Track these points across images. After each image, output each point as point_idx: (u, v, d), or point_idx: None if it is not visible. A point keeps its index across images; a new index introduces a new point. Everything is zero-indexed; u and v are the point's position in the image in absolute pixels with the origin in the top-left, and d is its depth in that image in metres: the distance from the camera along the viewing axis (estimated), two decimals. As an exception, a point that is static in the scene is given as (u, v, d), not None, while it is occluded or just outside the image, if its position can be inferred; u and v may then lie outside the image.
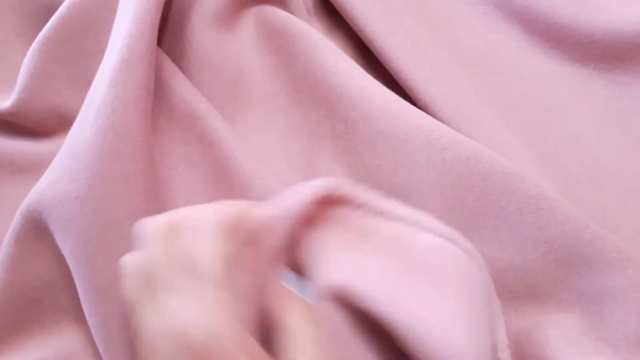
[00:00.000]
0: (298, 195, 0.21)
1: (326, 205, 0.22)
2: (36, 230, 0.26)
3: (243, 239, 0.20)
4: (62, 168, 0.25)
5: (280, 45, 0.32)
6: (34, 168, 0.33)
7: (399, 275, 0.21)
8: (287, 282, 0.22)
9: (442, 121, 0.29)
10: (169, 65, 0.30)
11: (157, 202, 0.28)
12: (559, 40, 0.33)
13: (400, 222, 0.22)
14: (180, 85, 0.29)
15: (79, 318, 0.27)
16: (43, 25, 0.34)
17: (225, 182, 0.29)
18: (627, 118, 0.31)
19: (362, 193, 0.22)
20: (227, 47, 0.32)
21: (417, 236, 0.22)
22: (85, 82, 0.34)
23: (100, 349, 0.25)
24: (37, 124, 0.34)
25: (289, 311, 0.20)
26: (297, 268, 0.22)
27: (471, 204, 0.26)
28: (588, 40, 0.32)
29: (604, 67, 0.33)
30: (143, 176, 0.26)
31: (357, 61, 0.33)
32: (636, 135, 0.31)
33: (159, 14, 0.28)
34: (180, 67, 0.31)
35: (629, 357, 0.22)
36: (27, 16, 0.37)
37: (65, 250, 0.25)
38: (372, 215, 0.22)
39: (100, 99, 0.26)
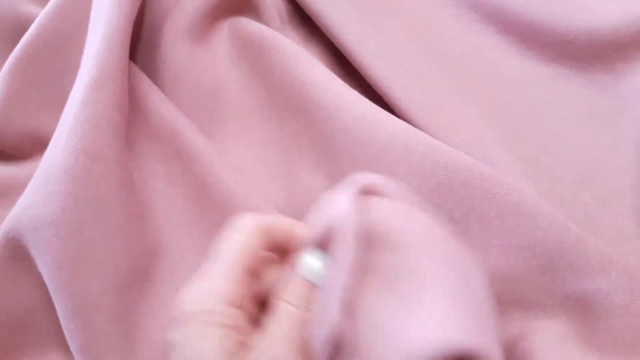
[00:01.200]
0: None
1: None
2: (16, 257, 0.26)
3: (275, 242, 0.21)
4: (36, 192, 0.25)
5: (255, 58, 0.32)
6: (11, 192, 0.33)
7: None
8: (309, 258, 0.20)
9: (420, 127, 0.29)
10: (145, 82, 0.30)
11: (136, 223, 0.27)
12: (534, 40, 0.33)
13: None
14: (158, 102, 0.29)
15: (64, 345, 0.26)
16: (12, 47, 0.34)
17: (207, 199, 0.29)
18: (606, 116, 0.31)
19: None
20: (201, 61, 0.32)
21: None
22: (58, 103, 0.33)
23: None
24: (11, 147, 0.33)
25: (286, 289, 0.19)
26: None
27: (452, 210, 0.26)
28: (564, 39, 0.32)
29: (581, 66, 0.32)
30: (118, 197, 0.25)
31: (333, 69, 0.33)
32: (616, 133, 0.31)
33: (129, 31, 0.28)
34: (154, 84, 0.31)
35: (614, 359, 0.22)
36: (-3, 38, 0.37)
37: (44, 275, 0.25)
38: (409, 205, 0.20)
39: (72, 121, 0.25)
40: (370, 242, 0.19)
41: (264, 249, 0.20)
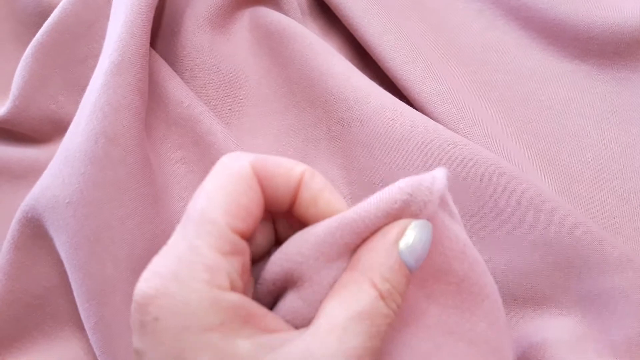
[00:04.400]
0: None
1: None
2: (35, 236, 0.26)
3: None
4: (55, 173, 0.25)
5: (274, 47, 0.32)
6: (31, 174, 0.33)
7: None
8: None
9: (438, 121, 0.29)
10: (165, 69, 0.30)
11: (153, 207, 0.27)
12: (557, 36, 0.33)
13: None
14: (177, 89, 0.29)
15: (80, 324, 0.27)
16: (35, 32, 0.34)
17: None
18: (626, 114, 0.31)
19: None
20: (221, 49, 0.32)
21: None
22: (79, 87, 0.34)
23: (97, 353, 0.25)
24: (33, 130, 0.34)
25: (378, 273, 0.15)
26: None
27: (469, 205, 0.26)
28: (586, 36, 0.32)
29: (603, 63, 0.32)
30: (136, 180, 0.26)
31: (352, 61, 0.33)
32: (636, 132, 0.30)
33: (151, 17, 0.28)
34: (174, 71, 0.31)
35: (630, 359, 0.22)
36: (20, 23, 0.37)
37: (62, 255, 0.25)
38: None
39: (92, 104, 0.25)
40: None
41: (256, 200, 0.15)
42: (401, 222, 0.15)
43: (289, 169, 0.16)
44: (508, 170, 0.25)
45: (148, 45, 0.27)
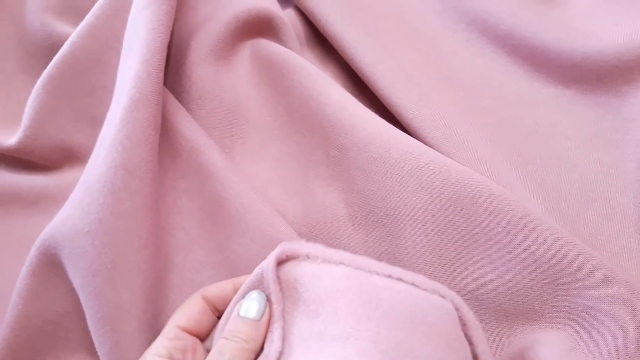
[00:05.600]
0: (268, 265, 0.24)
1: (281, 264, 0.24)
2: (52, 264, 0.27)
3: None
4: (75, 203, 0.26)
5: (274, 77, 0.34)
6: (41, 201, 0.35)
7: (356, 319, 0.22)
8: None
9: (431, 145, 0.31)
10: (171, 101, 0.31)
11: (158, 237, 0.29)
12: (542, 63, 0.35)
13: (347, 266, 0.24)
14: (182, 122, 0.31)
15: (91, 350, 0.28)
16: (45, 64, 0.36)
17: (221, 214, 0.30)
18: (609, 137, 0.32)
19: (303, 246, 0.24)
20: (224, 80, 0.34)
21: (367, 277, 0.23)
22: (87, 117, 0.35)
23: None
24: (43, 158, 0.35)
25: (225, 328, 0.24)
26: None
27: (461, 225, 0.27)
28: (570, 63, 0.34)
29: (586, 88, 0.34)
30: (151, 211, 0.27)
31: (348, 89, 0.35)
32: (619, 153, 0.32)
33: (165, 55, 0.29)
34: (180, 101, 0.33)
35: (617, 370, 0.23)
36: (30, 55, 0.39)
37: (76, 283, 0.26)
38: (318, 263, 0.24)
39: (112, 138, 0.27)
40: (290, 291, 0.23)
41: (205, 313, 0.25)
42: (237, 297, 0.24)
43: (224, 288, 0.26)
44: (498, 192, 0.27)
45: (162, 82, 0.29)
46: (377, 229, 0.29)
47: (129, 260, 0.26)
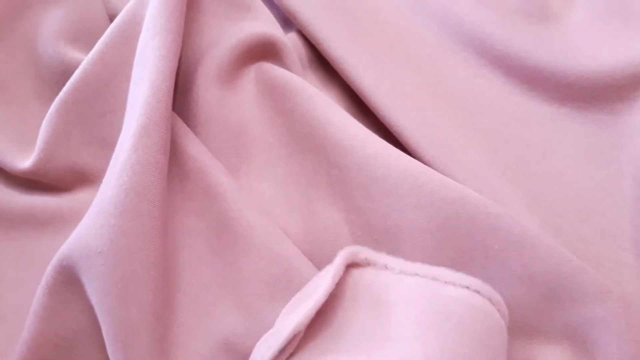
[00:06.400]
0: (327, 279, 0.23)
1: (352, 268, 0.24)
2: (68, 282, 0.28)
3: None
4: (89, 225, 0.28)
5: (278, 100, 0.35)
6: (54, 221, 0.36)
7: (426, 326, 0.22)
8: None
9: (429, 164, 0.32)
10: (180, 125, 0.33)
11: (166, 256, 0.30)
12: (537, 82, 0.36)
13: (423, 278, 0.24)
14: (190, 145, 0.32)
15: None
16: (58, 90, 0.37)
17: (228, 233, 0.31)
18: (605, 153, 0.33)
19: (382, 256, 0.24)
20: (229, 103, 0.35)
21: (441, 288, 0.23)
22: (98, 140, 0.37)
23: None
24: (55, 180, 0.36)
25: None
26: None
27: (459, 243, 0.28)
28: (565, 82, 0.35)
29: (581, 105, 0.35)
30: (160, 232, 0.28)
31: (350, 110, 0.36)
32: (615, 169, 0.33)
33: (173, 82, 0.31)
34: (188, 124, 0.34)
35: (612, 384, 0.24)
36: (43, 81, 0.40)
37: (93, 301, 0.27)
38: (396, 273, 0.24)
39: (122, 163, 0.28)
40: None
41: None
42: None
43: None
44: (494, 210, 0.28)
45: (171, 108, 0.30)
46: (378, 246, 0.30)
47: (138, 280, 0.27)
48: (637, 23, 0.36)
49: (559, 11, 0.39)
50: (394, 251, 0.30)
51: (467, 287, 0.23)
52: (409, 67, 0.37)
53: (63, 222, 0.36)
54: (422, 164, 0.30)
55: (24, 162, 0.36)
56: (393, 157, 0.30)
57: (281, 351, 0.22)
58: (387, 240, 0.30)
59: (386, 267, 0.24)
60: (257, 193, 0.34)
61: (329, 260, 0.27)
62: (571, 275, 0.26)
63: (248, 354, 0.27)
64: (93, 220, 0.28)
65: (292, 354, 0.23)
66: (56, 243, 0.32)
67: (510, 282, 0.27)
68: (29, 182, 0.37)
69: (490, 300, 0.23)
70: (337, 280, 0.24)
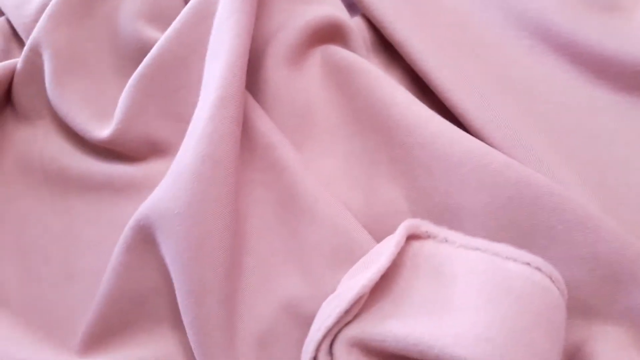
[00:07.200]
0: (390, 247, 0.25)
1: (413, 240, 0.25)
2: (145, 241, 0.30)
3: None
4: (167, 188, 0.30)
5: (343, 81, 0.36)
6: (129, 189, 0.38)
7: (486, 298, 0.23)
8: None
9: (492, 146, 0.32)
10: (250, 101, 0.34)
11: (238, 222, 0.32)
12: (603, 70, 0.36)
13: (484, 252, 0.24)
14: (260, 120, 0.34)
15: (174, 323, 0.31)
16: (135, 66, 0.39)
17: (294, 204, 0.32)
18: (672, 143, 0.33)
19: (442, 230, 0.26)
20: (296, 83, 0.36)
21: (502, 263, 0.24)
22: (171, 114, 0.39)
23: (193, 347, 0.29)
24: (131, 150, 0.39)
25: None
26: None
27: (522, 223, 0.28)
28: (631, 70, 0.35)
29: (648, 95, 0.34)
30: (233, 198, 0.30)
31: (412, 92, 0.36)
32: (681, 158, 0.32)
33: (247, 58, 0.33)
34: (257, 101, 0.36)
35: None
36: (122, 58, 0.43)
37: (168, 259, 0.29)
38: (456, 246, 0.25)
39: (200, 131, 0.30)
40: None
41: None
42: None
43: None
44: (559, 192, 0.28)
45: (244, 83, 0.32)
46: (438, 224, 0.31)
47: (212, 241, 0.29)
48: None
49: (632, 3, 0.39)
50: (454, 229, 0.30)
51: (528, 264, 0.24)
52: (473, 52, 0.37)
53: (137, 190, 0.39)
54: (486, 145, 0.31)
55: (103, 131, 0.39)
56: (457, 137, 0.31)
57: (347, 311, 0.24)
58: (447, 218, 0.31)
59: (446, 241, 0.25)
60: (319, 169, 0.35)
61: (388, 235, 0.28)
62: (635, 259, 0.26)
63: (309, 317, 0.28)
64: (171, 184, 0.30)
65: (356, 316, 0.24)
66: (130, 208, 0.34)
67: (572, 263, 0.27)
68: (107, 151, 0.40)
69: (550, 277, 0.24)
70: (399, 249, 0.25)
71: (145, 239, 0.30)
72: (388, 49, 0.40)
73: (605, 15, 0.38)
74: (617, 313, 0.26)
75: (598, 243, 0.26)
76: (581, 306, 0.27)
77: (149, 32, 0.41)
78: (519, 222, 0.28)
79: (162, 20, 0.42)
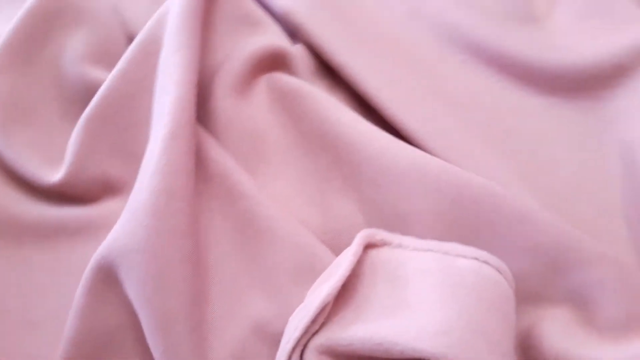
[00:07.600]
0: (348, 257, 0.26)
1: (370, 248, 0.27)
2: (106, 281, 0.30)
3: None
4: (123, 225, 0.30)
5: (290, 105, 0.38)
6: (85, 231, 0.38)
7: (442, 294, 0.24)
8: None
9: (433, 154, 0.34)
10: (201, 132, 0.35)
11: (198, 252, 0.32)
12: (529, 77, 0.39)
13: (435, 252, 0.26)
14: (212, 149, 0.35)
15: (143, 357, 0.31)
16: (83, 108, 0.39)
17: (253, 228, 0.33)
18: (594, 137, 0.36)
19: (396, 236, 0.27)
20: (244, 110, 0.38)
21: (453, 261, 0.26)
22: (123, 152, 0.39)
23: None
24: (84, 191, 0.39)
25: None
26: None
27: (466, 222, 0.30)
28: (553, 75, 0.38)
29: (569, 95, 0.38)
30: (191, 229, 0.31)
31: (358, 112, 0.38)
32: (604, 152, 0.35)
33: (195, 91, 0.34)
34: (208, 131, 0.37)
35: (613, 338, 0.26)
36: (69, 101, 0.43)
37: (131, 294, 0.29)
38: (410, 250, 0.27)
39: (153, 166, 0.31)
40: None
41: None
42: None
43: None
44: (497, 191, 0.30)
45: (194, 115, 0.33)
46: (391, 231, 0.33)
47: (174, 272, 0.29)
48: (614, 19, 0.39)
49: (544, 13, 0.43)
50: (405, 235, 0.32)
51: (477, 259, 0.26)
52: (410, 70, 0.40)
53: (93, 231, 0.38)
54: (427, 154, 0.33)
55: (55, 175, 0.39)
56: (400, 150, 0.33)
57: (313, 321, 0.25)
58: (399, 225, 0.32)
59: (400, 246, 0.27)
60: (274, 191, 0.36)
61: (346, 248, 0.29)
62: (570, 244, 0.28)
63: (277, 335, 0.29)
64: (128, 221, 0.31)
65: (322, 325, 0.25)
66: (88, 250, 0.34)
67: (515, 255, 0.29)
68: (60, 195, 0.39)
69: (498, 269, 0.26)
70: (357, 258, 0.26)
71: (105, 279, 0.30)
72: (331, 73, 0.42)
73: (526, 28, 0.41)
74: (559, 296, 0.29)
75: (537, 234, 0.29)
76: (528, 293, 0.29)
77: (94, 73, 0.42)
78: (463, 221, 0.30)
79: (107, 60, 0.43)
